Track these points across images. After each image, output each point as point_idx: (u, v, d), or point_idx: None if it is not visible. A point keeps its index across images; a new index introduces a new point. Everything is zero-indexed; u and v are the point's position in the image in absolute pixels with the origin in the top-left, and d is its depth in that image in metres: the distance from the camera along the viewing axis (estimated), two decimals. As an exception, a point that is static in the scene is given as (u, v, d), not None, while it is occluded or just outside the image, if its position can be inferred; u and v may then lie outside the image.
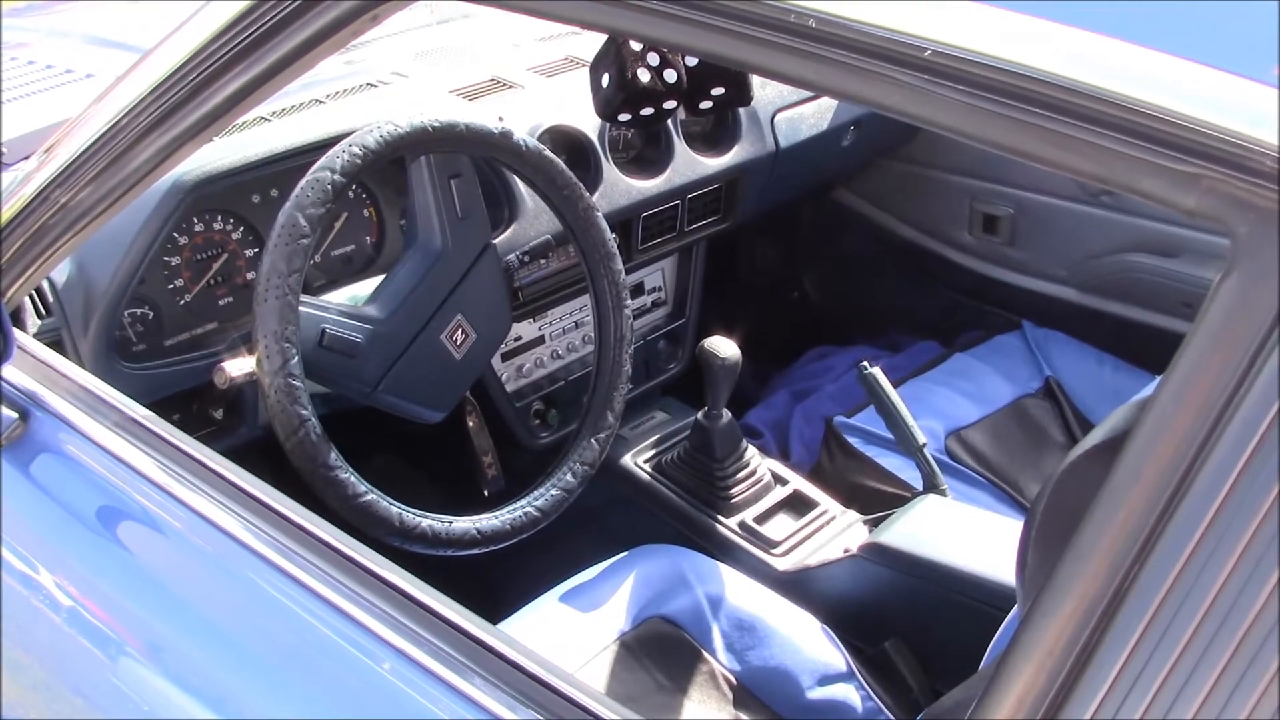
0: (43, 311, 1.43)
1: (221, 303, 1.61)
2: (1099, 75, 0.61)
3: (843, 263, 2.75)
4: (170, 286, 1.56)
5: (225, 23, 0.95)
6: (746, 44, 0.67)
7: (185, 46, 0.99)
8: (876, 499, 1.88)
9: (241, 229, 1.62)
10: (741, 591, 1.55)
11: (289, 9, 0.92)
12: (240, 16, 0.94)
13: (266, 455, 1.35)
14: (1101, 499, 0.63)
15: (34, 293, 1.42)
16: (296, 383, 1.22)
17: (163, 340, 1.55)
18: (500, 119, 1.56)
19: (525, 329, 1.95)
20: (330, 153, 1.29)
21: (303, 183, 1.27)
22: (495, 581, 1.78)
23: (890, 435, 1.83)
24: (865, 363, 1.82)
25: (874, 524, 1.77)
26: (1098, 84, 0.61)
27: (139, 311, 1.53)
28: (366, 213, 1.75)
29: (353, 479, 1.26)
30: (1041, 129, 0.62)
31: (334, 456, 1.25)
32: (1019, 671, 0.65)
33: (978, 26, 0.62)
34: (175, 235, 1.55)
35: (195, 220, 1.57)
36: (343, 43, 0.95)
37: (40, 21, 2.76)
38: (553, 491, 1.49)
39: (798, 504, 1.84)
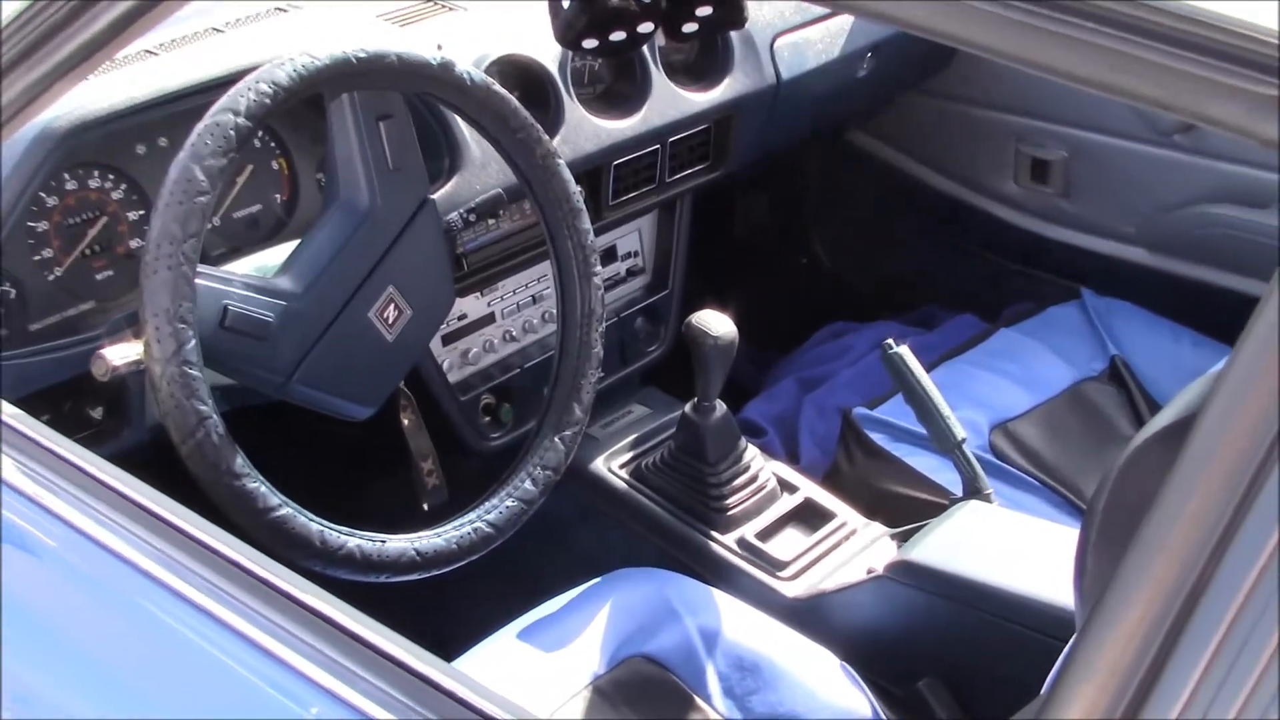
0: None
1: (100, 277, 1.61)
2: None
3: (861, 221, 2.78)
4: (36, 258, 1.56)
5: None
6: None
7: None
8: (906, 508, 1.92)
9: (123, 187, 1.62)
10: (742, 623, 1.57)
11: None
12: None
13: (157, 462, 1.35)
14: (1170, 487, 0.65)
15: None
16: (194, 372, 1.23)
17: (27, 324, 1.55)
18: (439, 48, 1.57)
19: (471, 305, 1.97)
20: (232, 91, 1.30)
21: (199, 128, 1.27)
22: (440, 614, 1.79)
23: (922, 429, 1.85)
24: (890, 341, 1.84)
25: (903, 538, 1.79)
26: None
27: (-2, 289, 1.54)
28: (276, 165, 1.76)
29: (264, 490, 1.27)
30: (1093, 46, 0.64)
31: (240, 462, 1.26)
32: (1077, 695, 0.67)
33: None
34: (42, 196, 1.54)
35: (67, 177, 1.57)
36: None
37: None
38: (508, 503, 1.50)
39: (809, 516, 1.87)
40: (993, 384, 2.13)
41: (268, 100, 1.30)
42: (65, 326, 1.58)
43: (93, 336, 1.53)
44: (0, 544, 1.11)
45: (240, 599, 0.99)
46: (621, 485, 1.94)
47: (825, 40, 2.21)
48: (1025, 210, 2.54)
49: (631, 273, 2.20)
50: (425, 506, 1.67)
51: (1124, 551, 0.67)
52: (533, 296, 2.04)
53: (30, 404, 1.48)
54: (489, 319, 2.00)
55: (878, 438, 2.02)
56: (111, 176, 1.61)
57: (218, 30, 1.78)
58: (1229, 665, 0.63)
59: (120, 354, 1.29)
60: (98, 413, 1.59)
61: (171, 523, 1.04)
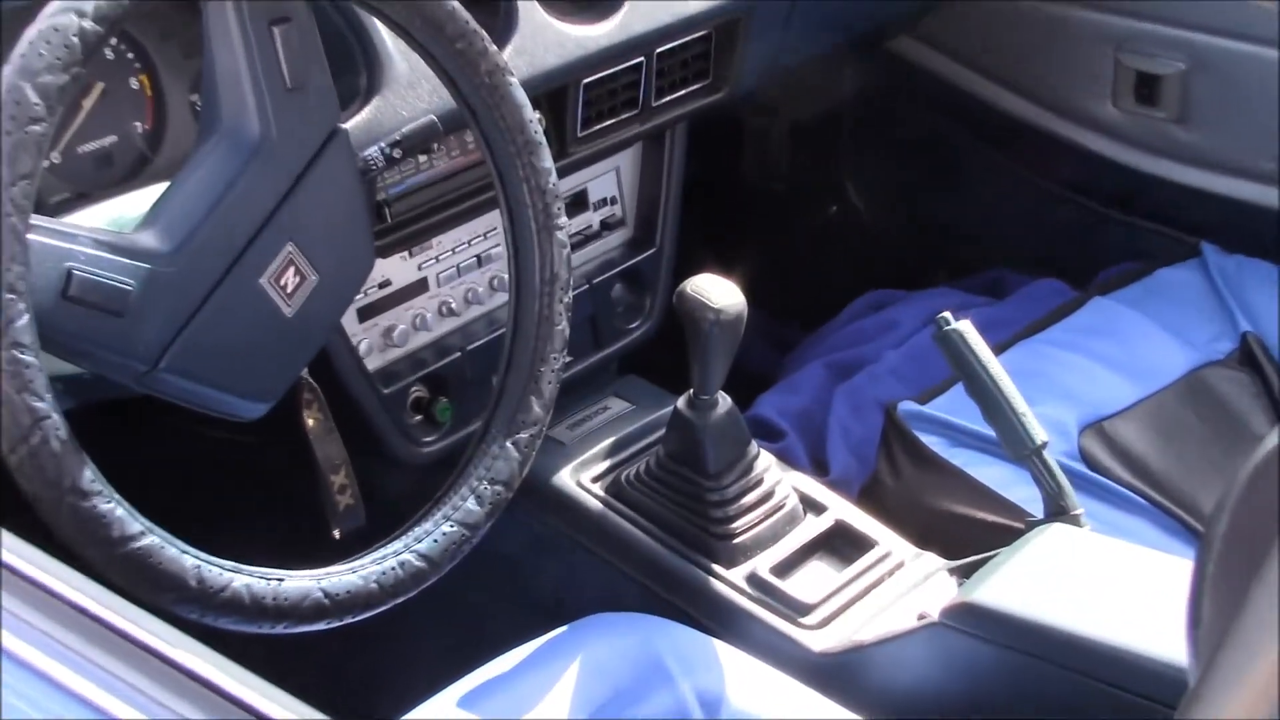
0: None
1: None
2: None
3: (909, 157, 2.80)
4: None
5: None
6: None
7: None
8: (968, 533, 1.94)
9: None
10: (753, 686, 1.58)
11: None
12: None
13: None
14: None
15: None
16: (26, 357, 1.22)
17: None
18: (351, -72, 1.58)
19: (397, 268, 1.98)
20: (75, -15, 1.30)
21: (31, 34, 1.26)
22: (361, 674, 1.80)
23: (989, 431, 1.85)
24: (946, 315, 1.83)
25: (965, 574, 1.81)
26: None
27: None
28: (136, 83, 1.76)
29: (120, 513, 1.26)
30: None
31: (89, 477, 1.25)
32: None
33: None
34: None
35: None
36: None
37: None
38: (445, 529, 1.51)
39: (842, 544, 1.89)
40: (1084, 370, 2.14)
41: (124, -3, 1.30)
42: None
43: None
44: None
45: (87, 657, 0.99)
46: (594, 505, 1.96)
47: (860, -81, 2.23)
48: (1127, 141, 2.54)
49: (607, 225, 2.21)
50: (336, 533, 1.67)
51: (1248, 592, 0.67)
52: (476, 257, 2.06)
53: None
54: (420, 287, 2.02)
55: (931, 441, 2.04)
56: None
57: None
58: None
59: None
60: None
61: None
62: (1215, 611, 0.88)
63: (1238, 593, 0.69)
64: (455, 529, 1.52)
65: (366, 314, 1.96)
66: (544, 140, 1.59)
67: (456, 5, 1.53)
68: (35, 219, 1.28)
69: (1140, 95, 2.50)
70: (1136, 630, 1.58)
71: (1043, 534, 1.76)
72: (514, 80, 1.57)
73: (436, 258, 2.02)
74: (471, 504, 1.53)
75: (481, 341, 2.06)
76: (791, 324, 2.55)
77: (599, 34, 1.96)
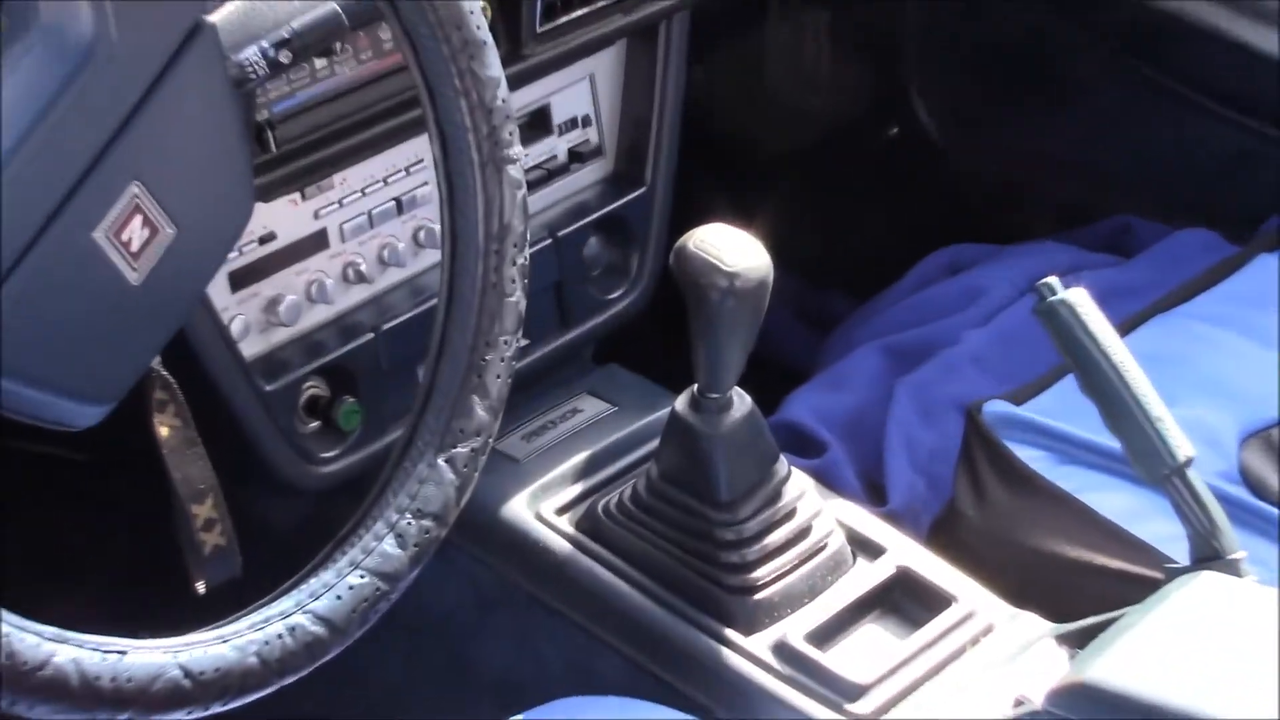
0: None
1: None
2: None
3: (996, 63, 2.81)
4: None
5: None
6: None
7: None
8: (1082, 585, 1.94)
9: None
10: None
11: None
12: None
13: None
14: None
15: None
16: None
17: None
18: None
19: (285, 217, 2.01)
20: None
21: None
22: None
23: (1112, 443, 1.84)
24: (1050, 281, 1.82)
25: (1078, 641, 1.81)
26: None
27: None
28: (-84, -41, 1.76)
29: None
30: None
31: None
32: None
33: None
34: None
35: None
36: None
37: None
38: (353, 580, 1.50)
39: (906, 600, 1.92)
40: (1245, 357, 2.14)
41: None
42: None
43: None
44: None
45: None
46: (561, 546, 1.98)
47: None
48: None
49: (579, 156, 2.23)
50: (200, 585, 1.68)
51: None
52: (396, 201, 2.09)
53: None
54: (317, 242, 2.05)
55: (1030, 456, 2.04)
56: None
57: None
58: None
59: None
60: None
61: None
62: None
63: None
64: (367, 580, 1.51)
65: (243, 281, 1.98)
66: (490, 39, 1.58)
67: None
68: None
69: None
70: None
71: (1187, 586, 1.74)
72: (442, -48, 1.58)
73: (339, 202, 2.04)
74: (390, 545, 1.53)
75: (403, 319, 2.09)
76: (836, 293, 2.55)
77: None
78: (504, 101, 1.59)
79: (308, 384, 2.03)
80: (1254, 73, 2.57)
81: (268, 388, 1.99)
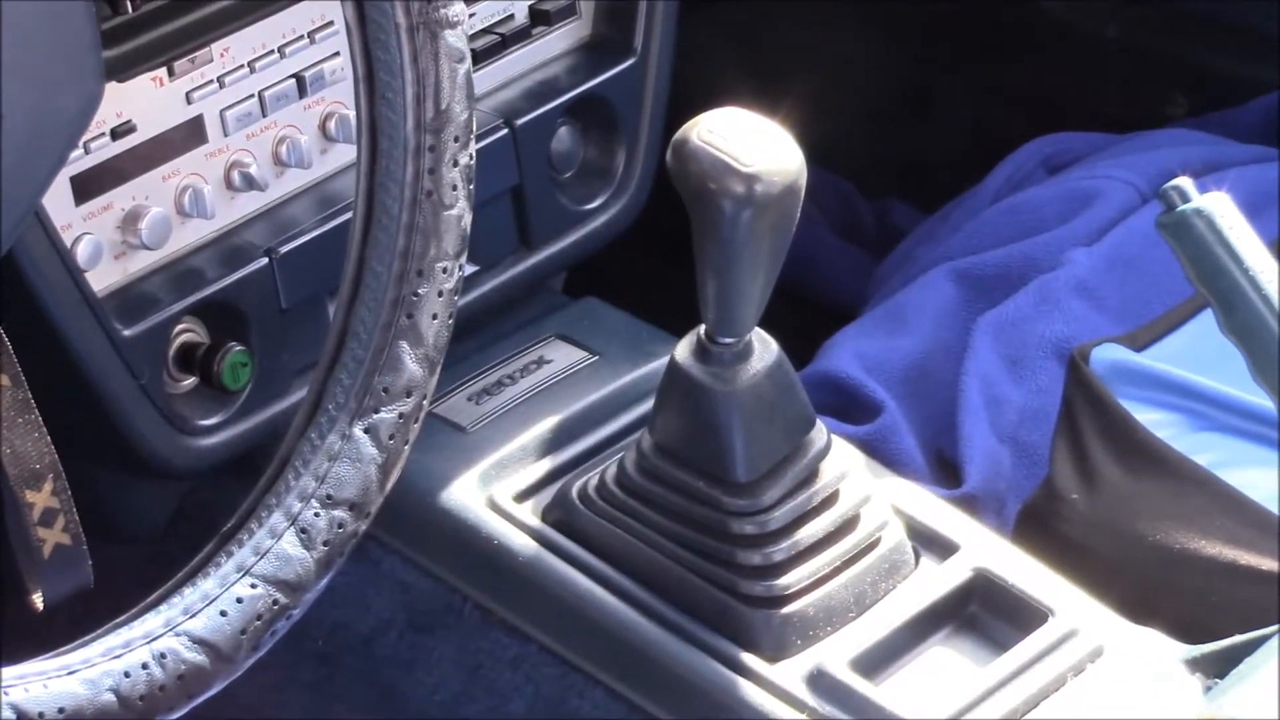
0: None
1: None
2: None
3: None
4: None
5: None
6: None
7: None
8: (1221, 592, 1.96)
9: None
10: None
11: None
12: None
13: None
14: None
15: None
16: None
17: None
18: None
19: (148, 100, 1.98)
20: None
21: None
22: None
23: (1265, 402, 1.85)
24: (1183, 182, 1.83)
25: (1217, 668, 1.82)
26: None
27: None
28: None
29: None
30: None
31: None
32: None
33: None
34: None
35: None
36: None
37: None
38: (241, 590, 1.52)
39: (988, 613, 1.91)
40: None
41: None
42: None
43: None
44: None
45: None
46: (522, 544, 1.98)
47: None
48: None
49: (544, 16, 2.24)
50: (37, 598, 1.70)
51: None
52: (295, 79, 2.07)
53: None
54: (191, 135, 2.03)
55: (1155, 420, 2.00)
56: None
57: None
58: None
59: None
60: None
61: None
62: None
63: None
64: (260, 591, 1.52)
65: (91, 188, 1.96)
66: None
67: None
68: None
69: None
70: None
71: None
72: None
73: (219, 80, 2.03)
74: (291, 544, 1.54)
75: (307, 238, 2.09)
76: (891, 202, 2.57)
77: None
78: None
79: (180, 327, 1.98)
80: None
81: (126, 332, 1.93)
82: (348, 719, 1.88)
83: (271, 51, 1.97)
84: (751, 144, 1.73)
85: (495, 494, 1.98)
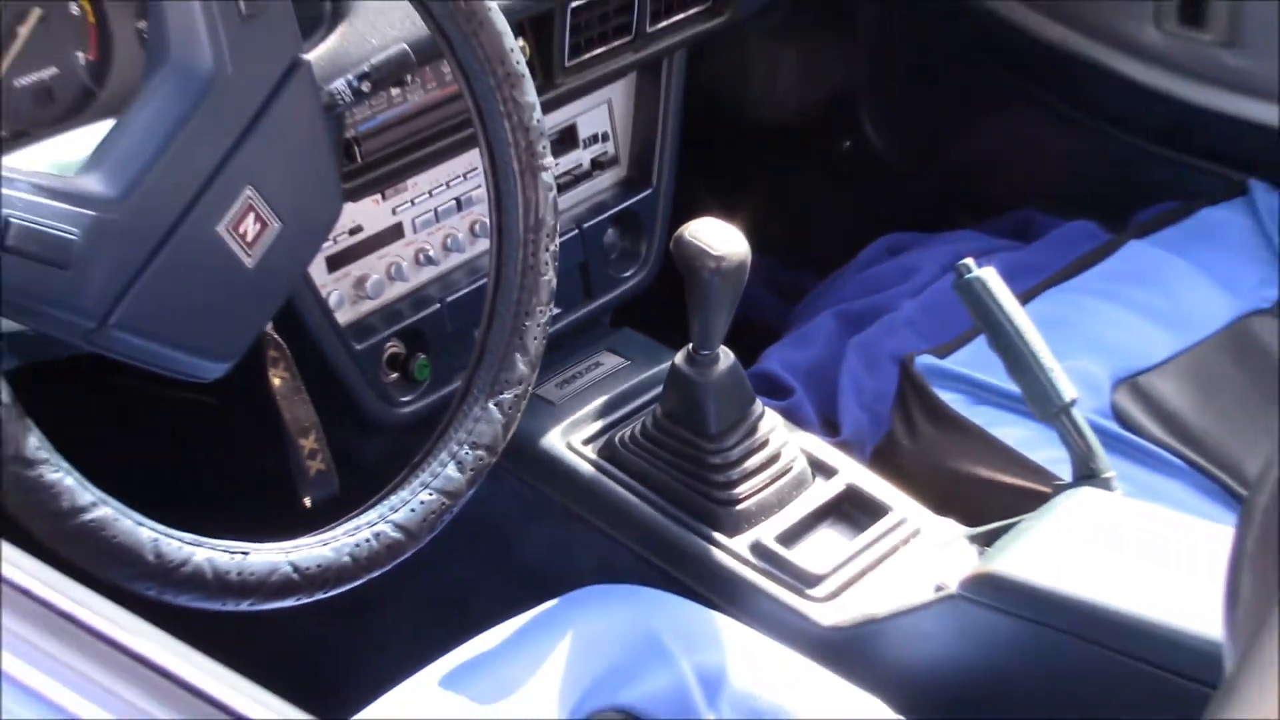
0: None
1: None
2: None
3: (930, 87, 2.79)
4: None
5: None
6: None
7: None
8: (990, 498, 1.94)
9: None
10: (758, 662, 1.59)
11: None
12: None
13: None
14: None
15: None
16: (-40, 313, 1.23)
17: None
18: None
19: (369, 213, 1.98)
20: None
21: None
22: (335, 654, 1.81)
23: (1013, 387, 1.85)
24: (968, 261, 1.83)
25: (986, 541, 1.82)
26: None
27: None
28: (77, 9, 1.74)
29: (70, 482, 1.26)
30: None
31: (34, 444, 1.25)
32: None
33: None
34: None
35: None
36: None
37: None
38: (424, 497, 1.51)
39: (853, 511, 1.90)
40: (1118, 321, 2.13)
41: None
42: None
43: None
44: None
45: (37, 645, 1.00)
46: (586, 469, 1.97)
47: None
48: (1170, 67, 2.53)
49: (599, 164, 2.21)
50: (307, 501, 1.67)
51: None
52: (456, 200, 2.06)
53: None
54: (394, 233, 2.02)
55: (951, 398, 2.03)
56: None
57: None
58: None
59: None
60: None
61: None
62: (1255, 589, 0.88)
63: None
64: (434, 497, 1.51)
65: (336, 263, 1.96)
66: (527, 72, 1.58)
67: None
68: (-31, 162, 1.28)
69: (1186, 16, 2.49)
70: (1172, 603, 1.59)
71: (1071, 498, 1.77)
72: (493, 4, 1.56)
73: (412, 201, 2.02)
74: (452, 470, 1.53)
75: (462, 292, 2.06)
76: (801, 271, 2.54)
77: (585, -51, 1.98)
78: (538, 121, 1.60)
79: (389, 344, 2.02)
80: (1129, 97, 2.55)
81: (358, 347, 1.98)
82: (484, 569, 1.90)
83: (442, 184, 2.03)
84: (719, 239, 1.79)
85: (571, 440, 2.02)
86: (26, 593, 1.02)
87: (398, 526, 1.49)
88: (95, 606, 1.02)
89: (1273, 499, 0.85)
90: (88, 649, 1.00)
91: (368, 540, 1.46)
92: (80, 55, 1.76)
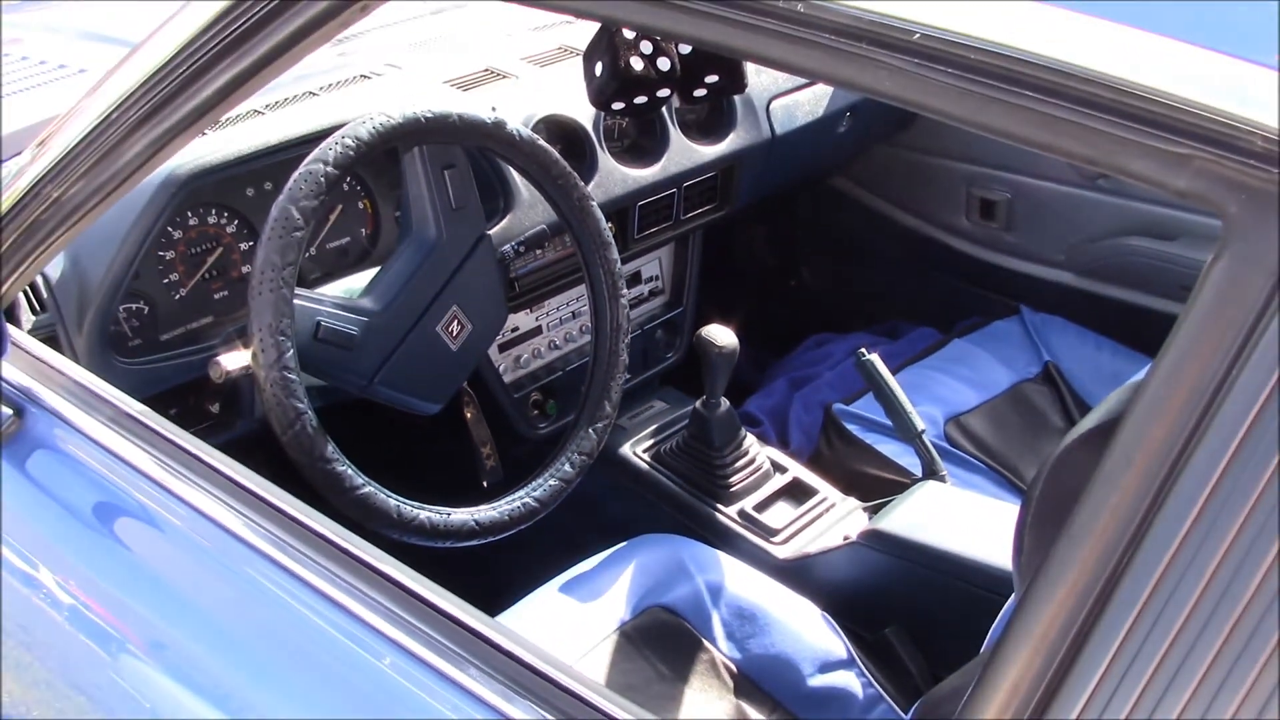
0: (37, 307, 1.43)
1: (217, 296, 1.60)
2: (1088, 56, 0.60)
3: (841, 250, 2.74)
4: (165, 281, 1.55)
5: (212, 16, 0.94)
6: (734, 29, 0.66)
7: (173, 40, 0.98)
8: (876, 486, 1.88)
9: (236, 222, 1.61)
10: (742, 580, 1.55)
11: (275, 2, 0.91)
12: (228, 9, 0.94)
13: (263, 448, 1.34)
14: (1095, 483, 0.62)
15: (29, 289, 1.42)
16: (292, 376, 1.21)
17: (158, 335, 1.55)
18: (494, 109, 1.55)
19: (522, 320, 1.94)
20: (323, 145, 1.28)
21: (296, 175, 1.26)
22: (496, 572, 1.77)
23: (889, 422, 1.82)
24: (863, 349, 1.81)
25: (874, 511, 1.76)
26: (1087, 65, 0.61)
27: (134, 306, 1.52)
28: (361, 205, 1.74)
29: (350, 471, 1.26)
30: (1032, 112, 0.62)
31: (331, 449, 1.24)
32: (1013, 658, 0.65)
33: (966, 9, 0.62)
34: (169, 229, 1.54)
35: (190, 214, 1.56)
36: (332, 34, 0.94)
37: (33, 18, 2.76)
38: (551, 482, 1.48)
39: (797, 492, 1.83)
40: (948, 384, 2.09)
41: (352, 152, 1.29)
42: (188, 337, 1.57)
43: (210, 345, 1.53)
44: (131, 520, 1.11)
45: (328, 566, 0.97)
46: (644, 466, 1.90)
47: (812, 102, 2.19)
48: (975, 241, 2.50)
49: (653, 293, 2.17)
50: (485, 484, 1.65)
51: (1055, 533, 0.64)
52: (573, 312, 2.01)
53: (160, 400, 1.47)
54: (537, 331, 1.98)
55: (853, 428, 1.98)
56: (227, 214, 1.60)
57: (313, 94, 1.77)
58: (1142, 639, 0.61)
59: (233, 360, 1.28)
60: (215, 407, 1.58)
61: (270, 501, 1.03)
62: (1031, 547, 0.85)
63: (1047, 536, 0.66)
64: (557, 483, 1.49)
65: (504, 348, 1.93)
66: (613, 241, 1.56)
67: (558, 156, 1.51)
68: (299, 290, 1.27)
69: (983, 213, 2.45)
70: (982, 549, 1.55)
71: (922, 487, 1.72)
72: (594, 203, 1.54)
73: (548, 312, 1.98)
74: (567, 467, 1.51)
75: (575, 365, 2.02)
76: (767, 354, 2.50)
77: (647, 174, 1.93)
78: (619, 268, 1.57)
79: (534, 394, 1.98)
80: (951, 257, 2.52)
81: (515, 396, 1.95)
82: (585, 522, 1.82)
83: (566, 303, 2.02)
84: (721, 336, 1.76)
85: (636, 449, 1.96)
86: (326, 539, 1.00)
87: (536, 500, 1.47)
88: (359, 543, 1.00)
89: (1041, 495, 0.83)
90: (351, 569, 0.98)
91: (518, 507, 1.44)
92: (362, 231, 1.75)
